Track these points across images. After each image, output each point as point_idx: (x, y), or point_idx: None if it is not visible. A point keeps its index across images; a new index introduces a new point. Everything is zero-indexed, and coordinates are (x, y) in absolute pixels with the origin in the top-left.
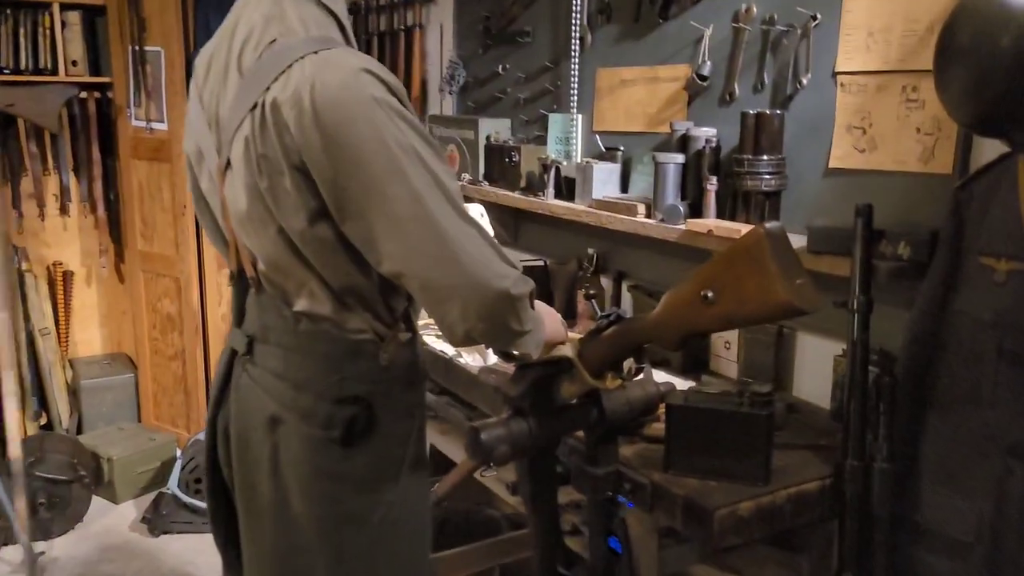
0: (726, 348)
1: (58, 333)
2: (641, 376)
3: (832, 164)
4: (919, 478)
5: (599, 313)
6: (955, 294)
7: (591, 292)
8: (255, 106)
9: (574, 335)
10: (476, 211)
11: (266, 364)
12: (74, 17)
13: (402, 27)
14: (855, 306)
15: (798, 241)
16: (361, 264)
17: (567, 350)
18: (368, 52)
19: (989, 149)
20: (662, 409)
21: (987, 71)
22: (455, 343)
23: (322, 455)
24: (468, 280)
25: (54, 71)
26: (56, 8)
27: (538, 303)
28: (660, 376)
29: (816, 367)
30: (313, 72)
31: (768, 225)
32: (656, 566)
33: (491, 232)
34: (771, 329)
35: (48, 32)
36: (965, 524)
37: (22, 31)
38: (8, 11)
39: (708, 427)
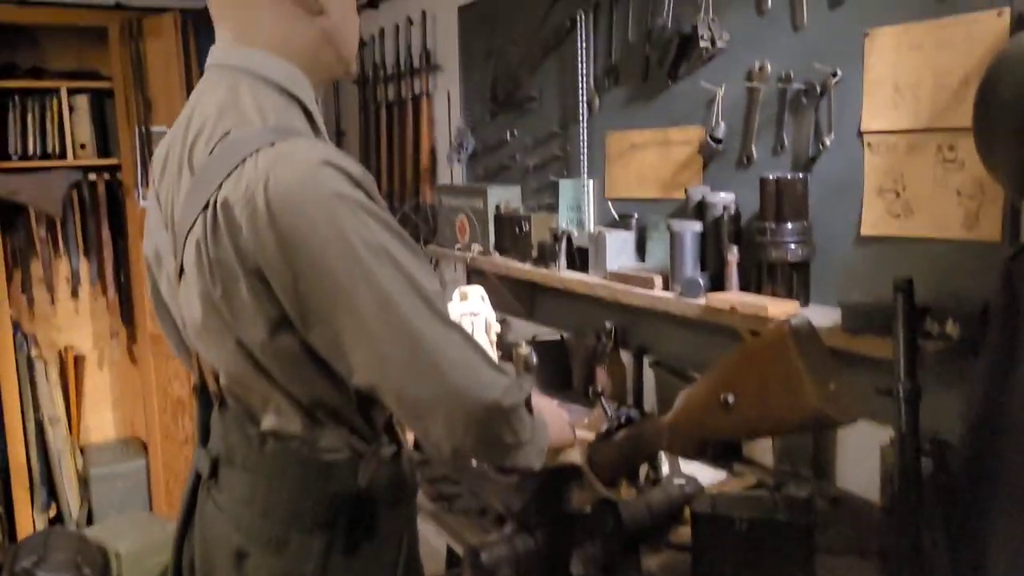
0: None
1: (69, 419)
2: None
3: (864, 231)
4: None
5: (608, 412)
6: (1015, 375)
7: (599, 391)
8: (206, 206)
9: (584, 434)
10: (476, 294)
11: (232, 490)
12: (82, 101)
13: (410, 95)
14: (901, 393)
15: (831, 316)
16: (331, 376)
17: (575, 455)
18: (377, 122)
19: None
20: (688, 511)
21: None
22: (443, 460)
23: None
24: (450, 391)
25: (62, 155)
26: (64, 92)
27: (540, 401)
28: (688, 466)
29: (861, 454)
30: (267, 167)
31: (794, 320)
32: None
33: (494, 319)
34: None
35: (56, 116)
36: None
37: (30, 117)
38: (16, 98)
39: (740, 538)
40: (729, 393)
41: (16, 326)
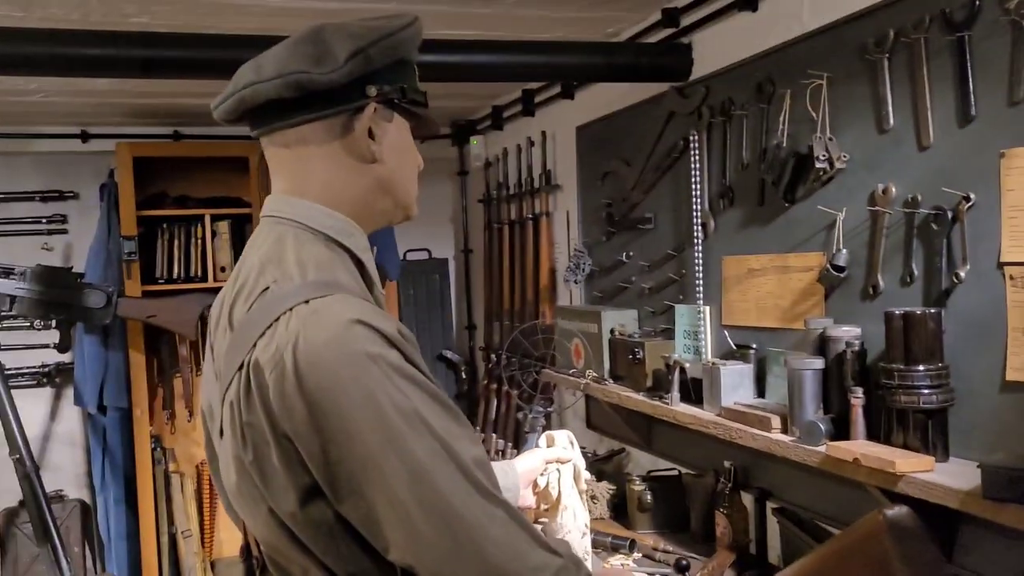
0: None
1: (202, 534)
2: None
3: (1010, 376)
4: None
5: None
6: None
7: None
8: (241, 366)
9: None
10: (563, 439)
11: None
12: (223, 227)
13: (531, 215)
14: None
15: (972, 476)
16: (371, 549)
17: None
18: (500, 240)
19: None
20: None
21: None
22: None
23: None
24: (494, 574)
25: (203, 278)
26: (207, 219)
27: (611, 572)
28: None
29: None
30: (298, 327)
31: (891, 512)
32: None
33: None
34: None
35: (199, 242)
36: None
37: (176, 243)
38: (164, 225)
39: None
40: None
41: (156, 440)
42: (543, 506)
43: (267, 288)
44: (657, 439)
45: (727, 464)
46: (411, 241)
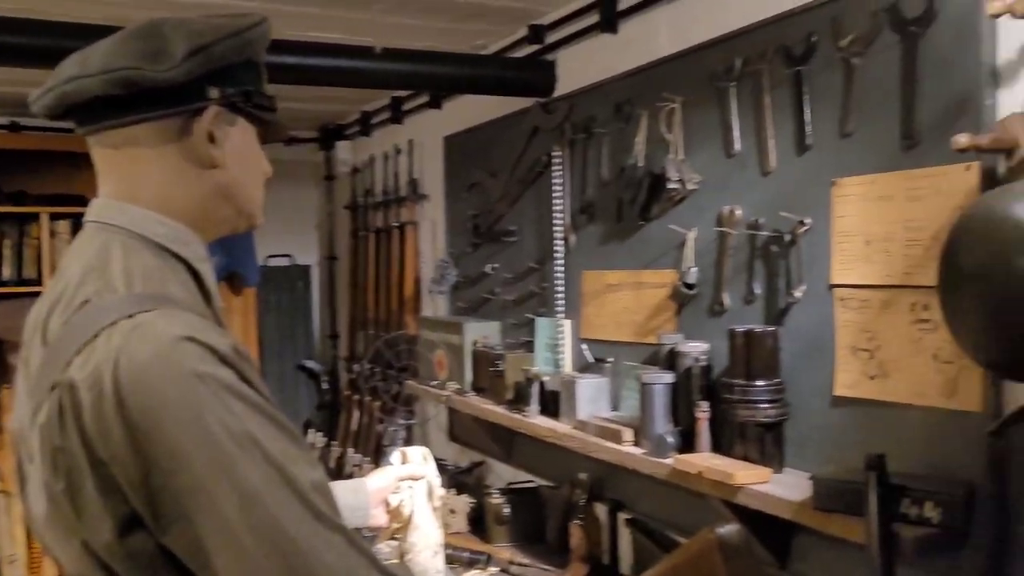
0: None
1: (30, 559)
2: None
3: (837, 391)
4: None
5: None
6: None
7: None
8: (54, 386)
9: None
10: (417, 456)
11: None
12: (63, 226)
13: (397, 224)
14: None
15: (805, 487)
16: None
17: None
18: (366, 248)
19: None
20: None
21: (1004, 302)
22: None
23: None
24: None
25: (39, 281)
26: (45, 218)
27: None
28: None
29: None
30: (120, 344)
31: (722, 530)
32: None
33: (438, 484)
34: None
35: (36, 242)
36: None
37: (8, 242)
38: None
39: None
40: None
41: None
42: (395, 525)
43: (87, 300)
44: (518, 452)
45: (583, 476)
46: (273, 246)
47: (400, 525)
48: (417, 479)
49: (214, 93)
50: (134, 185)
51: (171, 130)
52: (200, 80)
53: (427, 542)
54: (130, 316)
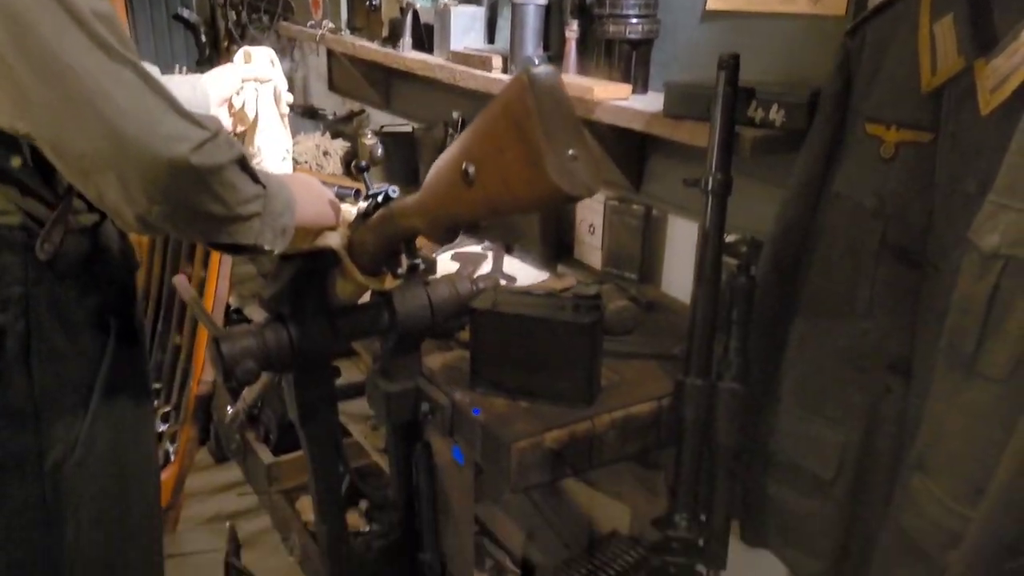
0: (590, 232)
1: None
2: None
3: (710, 5)
4: (776, 401)
5: (369, 187)
6: (835, 172)
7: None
8: None
9: (351, 212)
10: (263, 56)
11: None
12: None
13: None
14: (709, 186)
15: (661, 105)
16: None
17: (334, 239)
18: None
19: None
20: None
21: None
22: (131, 230)
23: None
24: (118, 144)
25: None
26: None
27: (295, 176)
28: (512, 264)
29: (689, 257)
30: None
31: (536, 70)
32: (469, 502)
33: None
34: (638, 211)
35: None
36: (825, 457)
37: None
38: None
39: (519, 337)
40: (470, 163)
41: None
42: (239, 128)
43: None
44: (396, 97)
45: (455, 115)
46: None
47: (245, 128)
48: (264, 82)
49: None
50: None
51: None
52: None
53: (276, 147)
54: None
